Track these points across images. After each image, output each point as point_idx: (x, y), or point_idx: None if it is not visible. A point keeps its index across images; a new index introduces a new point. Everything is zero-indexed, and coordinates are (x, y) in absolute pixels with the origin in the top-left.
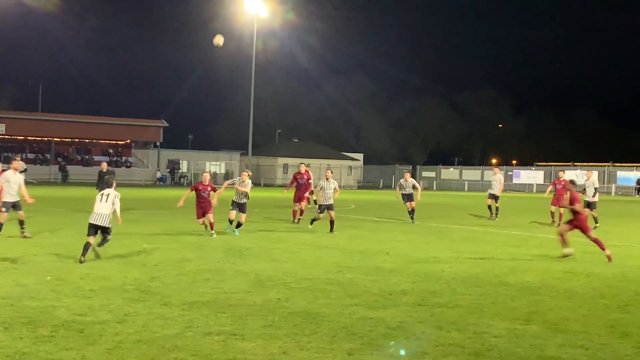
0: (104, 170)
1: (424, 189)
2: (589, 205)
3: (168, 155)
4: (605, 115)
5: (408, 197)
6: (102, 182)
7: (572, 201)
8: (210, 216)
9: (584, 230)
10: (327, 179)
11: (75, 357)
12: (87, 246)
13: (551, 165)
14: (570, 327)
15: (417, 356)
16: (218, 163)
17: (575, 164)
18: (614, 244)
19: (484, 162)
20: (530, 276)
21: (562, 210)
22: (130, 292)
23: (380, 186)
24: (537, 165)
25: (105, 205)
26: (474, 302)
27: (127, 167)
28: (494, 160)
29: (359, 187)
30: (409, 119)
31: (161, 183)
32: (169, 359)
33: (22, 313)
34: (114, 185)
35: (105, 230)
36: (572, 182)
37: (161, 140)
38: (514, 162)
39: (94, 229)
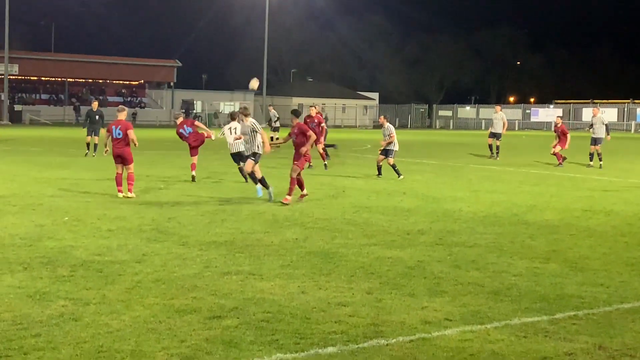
0: (94, 110)
1: (440, 127)
2: (595, 141)
3: (182, 96)
4: (625, 54)
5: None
6: (91, 122)
7: None
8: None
9: None
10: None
11: (95, 296)
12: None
13: (570, 103)
14: (590, 265)
15: (436, 294)
16: (232, 103)
17: (595, 101)
18: (634, 182)
19: (501, 100)
20: (549, 215)
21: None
22: (148, 232)
23: (396, 125)
24: (556, 103)
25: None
26: (493, 241)
27: (141, 107)
28: (511, 99)
29: (375, 127)
30: (424, 58)
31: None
32: (188, 298)
33: (41, 253)
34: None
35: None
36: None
37: (174, 81)
38: (532, 100)
39: None
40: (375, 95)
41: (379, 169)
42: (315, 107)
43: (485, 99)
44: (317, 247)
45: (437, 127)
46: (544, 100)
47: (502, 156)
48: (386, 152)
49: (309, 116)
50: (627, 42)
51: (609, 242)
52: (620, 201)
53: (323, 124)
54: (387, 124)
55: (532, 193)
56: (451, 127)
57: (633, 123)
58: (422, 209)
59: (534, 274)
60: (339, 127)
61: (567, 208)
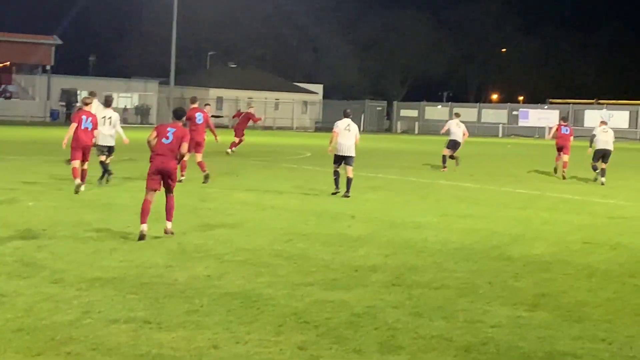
0: None
1: (403, 131)
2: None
3: (62, 84)
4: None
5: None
6: None
7: None
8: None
9: None
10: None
11: None
12: None
13: (569, 103)
14: (590, 314)
15: (391, 351)
16: (129, 95)
17: (601, 101)
18: None
19: (482, 97)
20: (538, 248)
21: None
22: (9, 265)
23: (336, 129)
24: (551, 103)
25: None
26: (466, 281)
27: (6, 98)
28: (494, 96)
29: (317, 129)
30: (384, 40)
31: (52, 120)
32: (60, 354)
33: None
34: None
35: None
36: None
37: (52, 64)
38: (521, 98)
39: None
40: (318, 88)
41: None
42: (208, 106)
43: (461, 96)
44: (235, 287)
45: (398, 130)
46: (537, 99)
47: (480, 171)
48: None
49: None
50: None
51: (614, 284)
52: (629, 231)
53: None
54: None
55: (518, 219)
56: (416, 130)
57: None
58: (376, 237)
59: (517, 325)
60: (269, 128)
61: (561, 239)
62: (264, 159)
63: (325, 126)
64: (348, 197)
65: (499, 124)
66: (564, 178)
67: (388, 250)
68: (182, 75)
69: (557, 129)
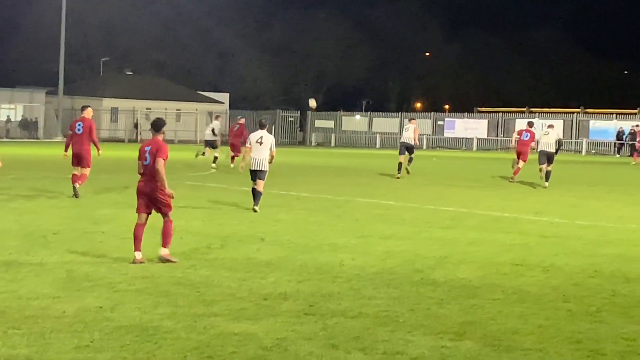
0: None
1: (318, 144)
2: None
3: None
4: (575, 38)
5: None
6: None
7: None
8: None
9: None
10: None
11: None
12: None
13: (498, 112)
14: (520, 343)
15: None
16: (12, 106)
17: (532, 109)
18: (583, 223)
19: (403, 107)
20: (465, 271)
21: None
22: None
23: (248, 143)
24: (480, 112)
25: None
26: (386, 308)
27: None
28: (418, 104)
29: (224, 142)
30: (296, 44)
31: None
32: None
33: None
34: None
35: None
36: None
37: None
38: (447, 106)
39: None
40: (224, 97)
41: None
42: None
43: (381, 105)
44: (130, 320)
45: (313, 143)
46: (463, 107)
47: (403, 187)
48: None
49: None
50: (577, 24)
51: (547, 310)
52: (563, 251)
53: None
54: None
55: (444, 240)
56: (333, 143)
57: (584, 141)
58: (288, 262)
59: (441, 356)
60: (170, 141)
61: (490, 261)
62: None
63: None
64: (256, 211)
65: (423, 135)
66: (511, 179)
67: (301, 276)
68: (72, 84)
69: (518, 134)
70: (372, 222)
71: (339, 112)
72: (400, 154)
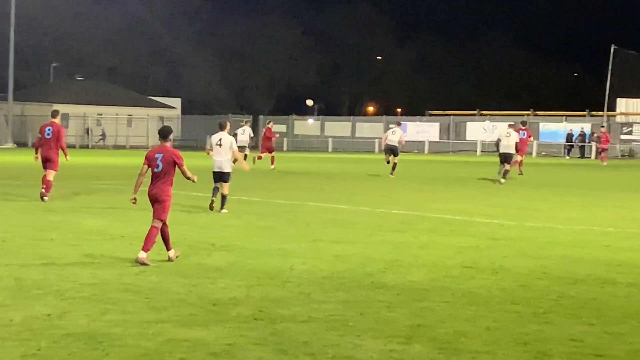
0: None
1: None
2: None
3: None
4: (525, 42)
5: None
6: None
7: None
8: None
9: None
10: None
11: None
12: None
13: (450, 115)
14: (469, 345)
15: None
16: None
17: (483, 112)
18: (533, 225)
19: (356, 110)
20: (415, 274)
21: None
22: None
23: (208, 145)
24: (431, 115)
25: None
26: (335, 313)
27: None
28: (370, 108)
29: (176, 147)
30: (247, 49)
31: None
32: None
33: None
34: None
35: None
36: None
37: None
38: (399, 110)
39: None
40: (176, 103)
41: None
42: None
43: (333, 109)
44: (78, 327)
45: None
46: (415, 111)
47: (355, 191)
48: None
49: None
50: (525, 28)
51: (496, 312)
52: (512, 253)
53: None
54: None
55: (394, 243)
56: (285, 147)
57: (535, 143)
58: (238, 267)
59: None
60: (122, 147)
61: (441, 264)
62: (115, 182)
63: (184, 144)
64: (225, 211)
65: (375, 138)
66: (520, 173)
67: (251, 281)
68: (22, 90)
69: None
70: (323, 226)
71: (291, 116)
72: (385, 154)
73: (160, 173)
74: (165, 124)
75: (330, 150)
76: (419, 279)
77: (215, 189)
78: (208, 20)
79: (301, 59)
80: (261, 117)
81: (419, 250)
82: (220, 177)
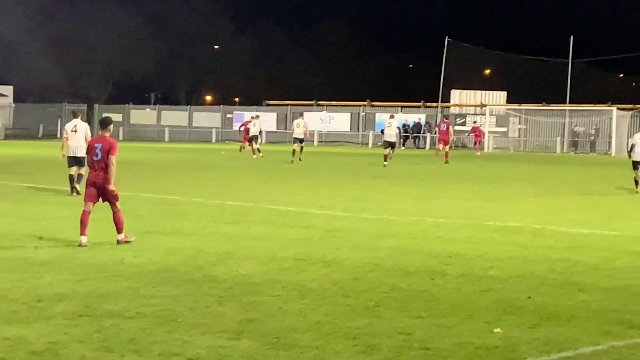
0: None
1: None
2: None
3: None
4: (362, 32)
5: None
6: None
7: None
8: None
9: None
10: None
11: None
12: None
13: (287, 105)
14: (298, 340)
15: None
16: None
17: (320, 102)
18: (367, 216)
19: (193, 100)
20: (247, 267)
21: None
22: None
23: (40, 134)
24: (268, 105)
25: None
26: (165, 308)
27: None
28: (208, 97)
29: (7, 136)
30: (83, 35)
31: None
32: None
33: None
34: None
35: None
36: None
37: None
38: (237, 99)
39: None
40: (8, 90)
41: None
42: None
43: (171, 98)
44: None
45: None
46: (253, 100)
47: (191, 182)
48: None
49: None
50: (363, 18)
51: (327, 305)
52: (346, 245)
53: None
54: None
55: (228, 235)
56: (121, 136)
57: (371, 133)
58: (66, 261)
59: (218, 356)
60: None
61: (273, 256)
62: None
63: (18, 133)
64: (79, 194)
65: (212, 128)
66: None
67: (79, 276)
68: None
69: (438, 126)
70: (156, 218)
71: (127, 105)
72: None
73: (100, 161)
74: None
75: (167, 140)
76: (250, 272)
77: (71, 177)
78: (43, 5)
79: (138, 47)
80: (96, 106)
81: (251, 242)
82: (77, 161)
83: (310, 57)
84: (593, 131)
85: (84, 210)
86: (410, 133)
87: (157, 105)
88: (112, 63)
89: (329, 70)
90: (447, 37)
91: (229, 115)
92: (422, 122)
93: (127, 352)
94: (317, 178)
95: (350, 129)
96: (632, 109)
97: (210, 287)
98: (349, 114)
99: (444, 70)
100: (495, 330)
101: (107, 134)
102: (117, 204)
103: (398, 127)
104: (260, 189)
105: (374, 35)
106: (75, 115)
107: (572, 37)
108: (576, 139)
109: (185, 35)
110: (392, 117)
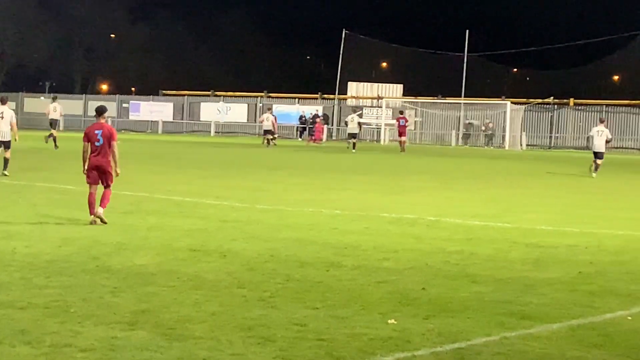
0: None
1: None
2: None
3: None
4: (259, 24)
5: None
6: None
7: None
8: None
9: None
10: None
11: None
12: None
13: (184, 95)
14: (193, 331)
15: None
16: None
17: (218, 93)
18: (264, 207)
19: (88, 89)
20: (142, 257)
21: None
22: None
23: None
24: (165, 95)
25: None
26: (57, 298)
27: None
28: (104, 86)
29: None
30: None
31: None
32: None
33: None
34: None
35: None
36: None
37: None
38: (133, 89)
39: None
40: None
41: None
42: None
43: (66, 87)
44: None
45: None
46: (150, 90)
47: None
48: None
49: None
50: (261, 10)
51: (222, 296)
52: (242, 236)
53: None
54: None
55: (123, 226)
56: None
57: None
58: None
59: (110, 347)
60: None
61: (168, 247)
62: None
63: None
64: (7, 174)
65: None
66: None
67: None
68: None
69: (397, 121)
70: (51, 207)
71: (21, 93)
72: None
73: (102, 146)
74: None
75: (61, 128)
76: (145, 262)
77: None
78: None
79: (32, 35)
80: None
81: (147, 232)
82: (4, 144)
83: (208, 47)
84: (491, 124)
85: (90, 192)
86: (307, 125)
87: (52, 94)
88: (4, 51)
89: (226, 61)
90: (344, 30)
91: (125, 105)
92: (320, 113)
93: (18, 343)
94: (214, 169)
95: (248, 120)
96: (525, 103)
97: (105, 277)
98: (246, 104)
99: (342, 62)
100: (389, 321)
101: (103, 121)
102: (108, 186)
103: (359, 123)
104: (155, 179)
105: (272, 27)
106: (3, 102)
107: (467, 31)
108: (469, 132)
109: (81, 23)
110: (354, 111)
